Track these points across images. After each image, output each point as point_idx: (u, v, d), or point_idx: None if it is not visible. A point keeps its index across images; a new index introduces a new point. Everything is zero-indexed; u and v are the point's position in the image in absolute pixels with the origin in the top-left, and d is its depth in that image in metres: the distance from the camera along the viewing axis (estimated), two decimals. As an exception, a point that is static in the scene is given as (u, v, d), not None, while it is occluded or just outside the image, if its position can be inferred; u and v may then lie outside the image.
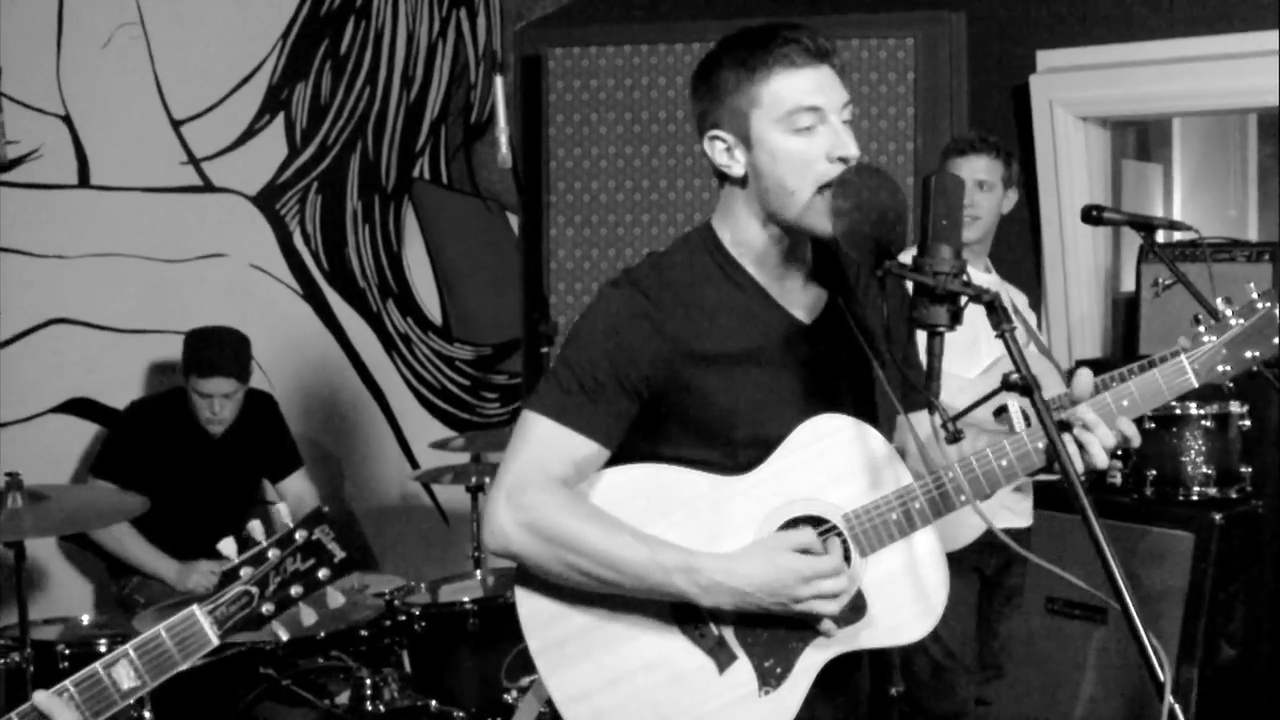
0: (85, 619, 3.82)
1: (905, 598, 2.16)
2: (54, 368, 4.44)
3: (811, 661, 2.16)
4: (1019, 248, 5.01)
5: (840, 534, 2.15)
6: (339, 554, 2.09)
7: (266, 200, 4.96)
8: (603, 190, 5.24)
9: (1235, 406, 4.19)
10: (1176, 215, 7.06)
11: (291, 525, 2.07)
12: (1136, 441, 2.12)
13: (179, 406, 4.31)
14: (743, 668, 2.15)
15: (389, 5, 5.26)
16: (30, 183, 4.36)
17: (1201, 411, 4.17)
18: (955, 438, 1.91)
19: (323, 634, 3.57)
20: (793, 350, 2.22)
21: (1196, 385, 2.18)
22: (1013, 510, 3.76)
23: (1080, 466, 2.06)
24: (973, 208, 3.68)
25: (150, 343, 4.59)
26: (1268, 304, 2.21)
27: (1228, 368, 2.19)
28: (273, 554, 2.04)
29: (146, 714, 3.11)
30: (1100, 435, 2.07)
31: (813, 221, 2.10)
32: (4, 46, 4.26)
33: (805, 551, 2.09)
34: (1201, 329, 2.21)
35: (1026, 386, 1.84)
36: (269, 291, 5.00)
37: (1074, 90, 4.77)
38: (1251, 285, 2.24)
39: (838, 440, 2.18)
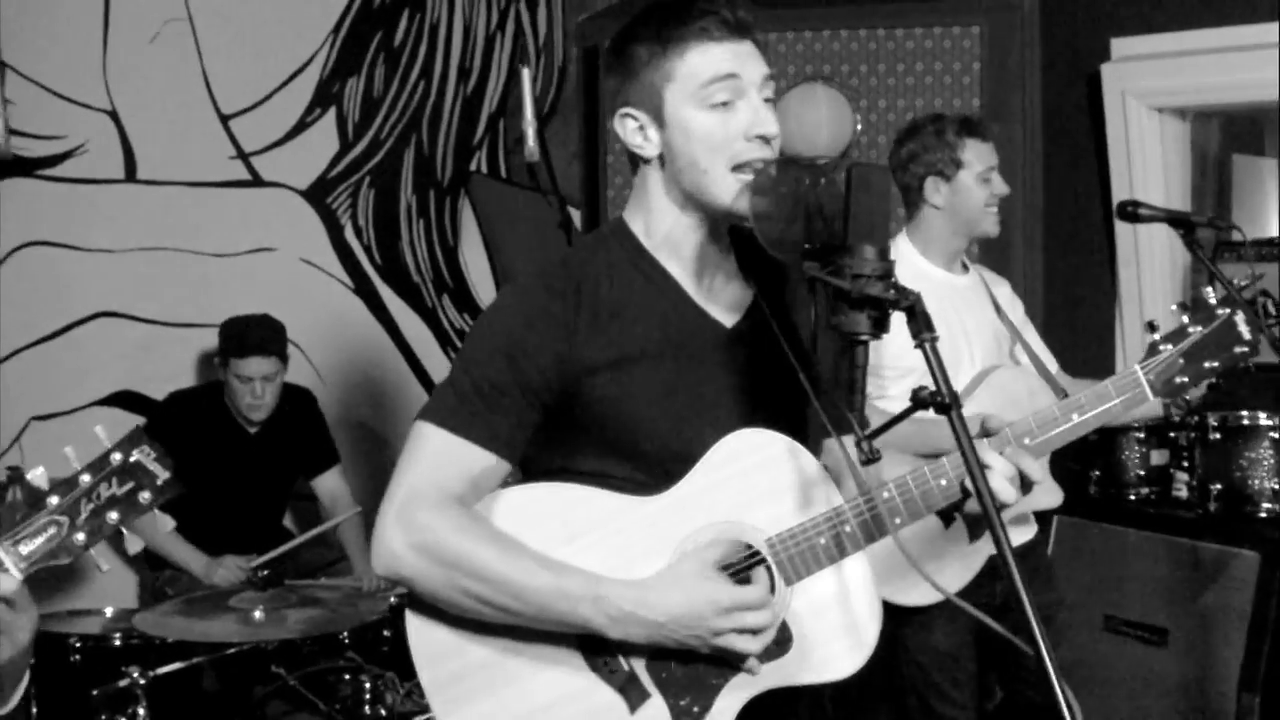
0: (109, 611, 3.95)
1: (835, 630, 2.05)
2: (100, 361, 4.59)
3: (732, 700, 2.02)
4: (1093, 246, 4.91)
5: (764, 560, 2.02)
6: (162, 474, 1.97)
7: (317, 194, 5.06)
8: (661, 185, 5.23)
9: (1310, 417, 4.06)
10: (1292, 212, 6.85)
11: (108, 446, 1.93)
12: (1037, 477, 2.01)
13: (216, 400, 4.42)
14: (656, 706, 2.01)
15: (444, -3, 5.35)
16: (77, 177, 4.52)
17: (1272, 422, 4.05)
18: (870, 458, 1.83)
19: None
20: (711, 356, 2.09)
21: (1152, 398, 2.11)
22: (1011, 524, 3.65)
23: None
24: (993, 199, 3.55)
25: (197, 336, 4.72)
26: (1227, 310, 2.13)
27: (1186, 379, 2.12)
28: (84, 479, 1.90)
29: (140, 711, 3.20)
30: (997, 466, 2.00)
31: (729, 202, 1.98)
32: (51, 42, 4.42)
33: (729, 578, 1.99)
34: (1157, 337, 2.14)
35: (943, 405, 1.74)
36: (320, 286, 5.10)
37: (1148, 79, 4.65)
38: (1209, 290, 2.17)
39: (762, 457, 2.05)
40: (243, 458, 4.42)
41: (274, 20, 4.90)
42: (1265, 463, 4.05)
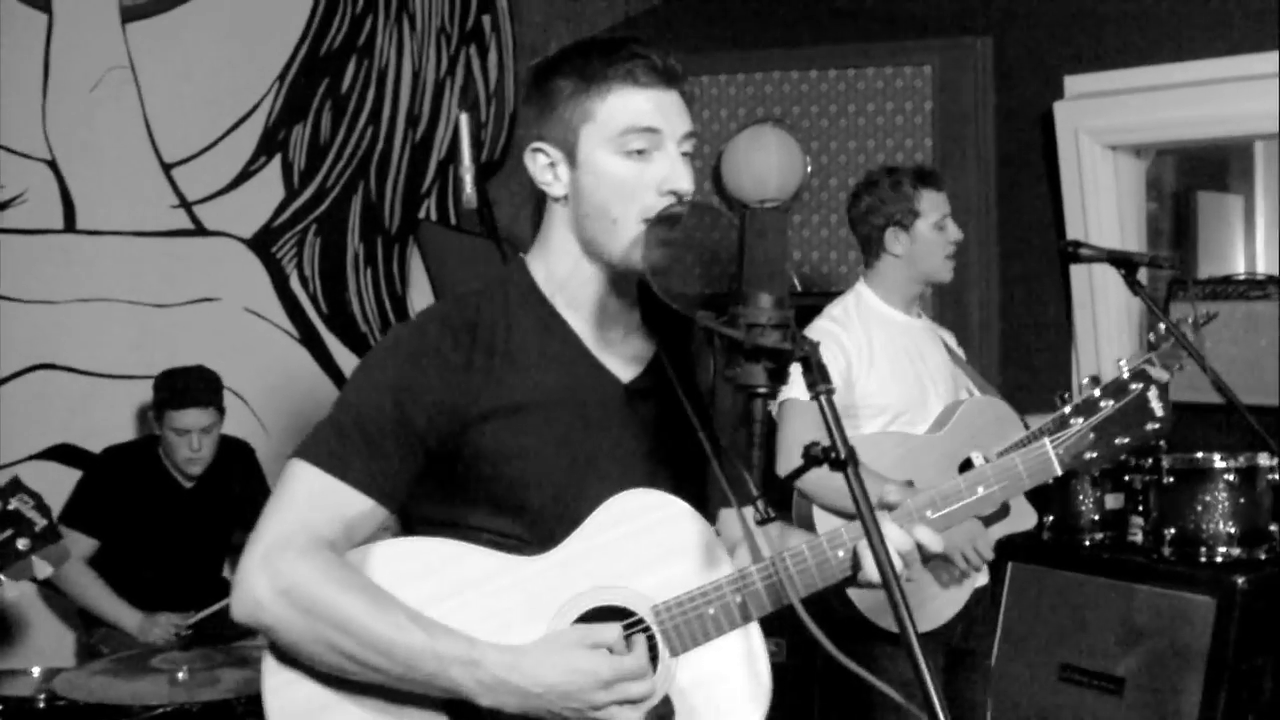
0: (36, 671, 3.90)
1: (722, 704, 1.98)
2: (39, 414, 4.56)
3: None
4: (1048, 287, 4.92)
5: (648, 629, 1.95)
6: (40, 521, 2.06)
7: (262, 243, 5.05)
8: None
9: (1265, 459, 4.04)
10: (1260, 249, 6.88)
11: None
12: (936, 548, 1.98)
13: (151, 454, 4.39)
14: None
15: (393, 43, 5.35)
16: (15, 228, 4.50)
17: (1225, 465, 4.03)
18: (765, 519, 1.81)
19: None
20: (608, 412, 2.04)
21: (1060, 473, 2.08)
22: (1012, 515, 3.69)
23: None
24: (949, 247, 3.65)
25: (138, 388, 4.68)
26: (1139, 385, 2.10)
27: (1095, 454, 2.08)
28: None
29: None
30: (892, 538, 1.95)
31: (634, 257, 1.93)
32: (-14, 90, 4.43)
33: (610, 646, 1.90)
34: (1068, 410, 2.11)
35: (837, 460, 1.69)
36: (264, 336, 5.09)
37: (1101, 117, 4.67)
38: (1123, 361, 2.15)
39: (650, 520, 1.99)
40: (178, 512, 4.38)
41: (218, 67, 4.91)
42: (1220, 506, 4.03)
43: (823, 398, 1.71)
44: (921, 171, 3.71)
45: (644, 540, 1.99)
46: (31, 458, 4.54)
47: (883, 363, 3.59)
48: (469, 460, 1.98)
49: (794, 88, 5.03)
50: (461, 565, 1.96)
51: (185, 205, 4.86)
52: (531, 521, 2.00)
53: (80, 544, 4.26)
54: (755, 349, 1.69)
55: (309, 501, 1.93)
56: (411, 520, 2.06)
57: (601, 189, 1.97)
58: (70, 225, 4.61)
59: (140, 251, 4.76)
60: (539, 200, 2.07)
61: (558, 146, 2.00)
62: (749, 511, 2.06)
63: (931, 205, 3.64)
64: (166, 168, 4.82)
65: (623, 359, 2.08)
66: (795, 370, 3.54)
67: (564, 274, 2.04)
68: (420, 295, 5.49)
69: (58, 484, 4.57)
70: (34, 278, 4.54)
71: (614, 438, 2.04)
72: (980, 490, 2.06)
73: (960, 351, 3.90)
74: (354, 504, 1.94)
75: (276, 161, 5.09)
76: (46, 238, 4.57)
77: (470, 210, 3.97)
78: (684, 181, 1.97)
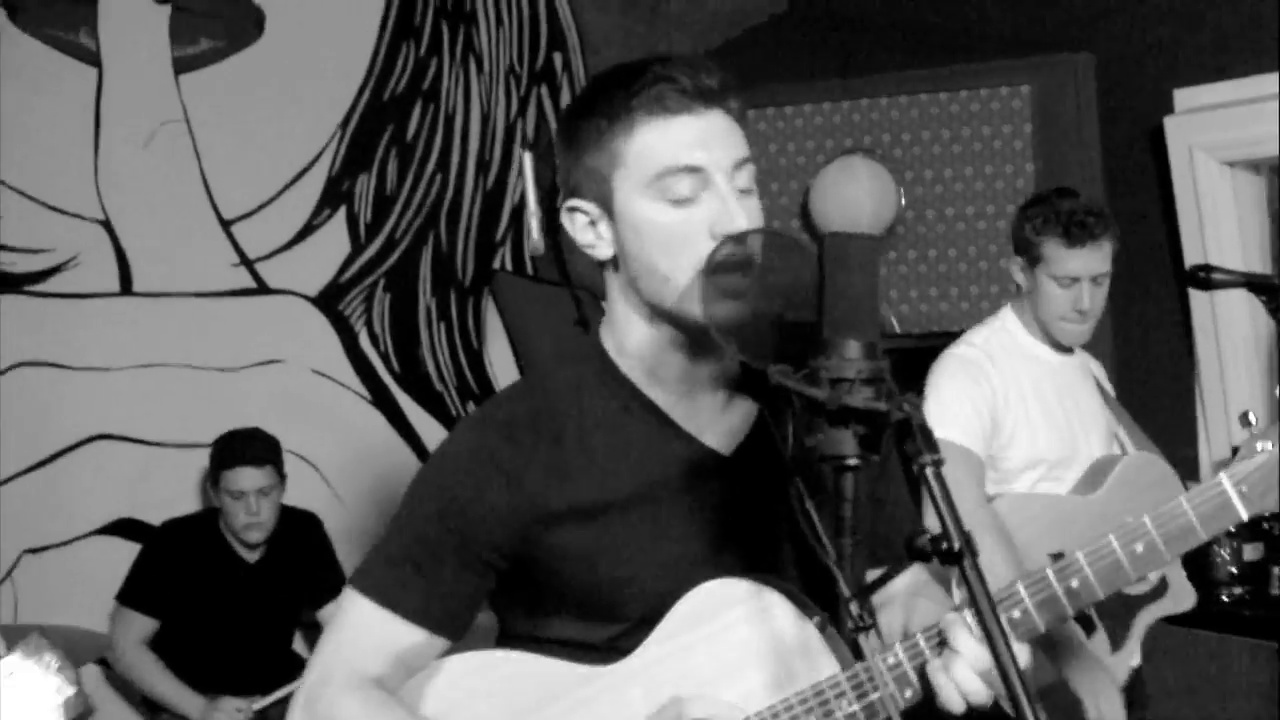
0: (93, 763, 3.73)
1: None
2: (97, 487, 4.40)
3: None
4: (1165, 316, 4.61)
5: None
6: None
7: (328, 301, 4.88)
8: (696, 273, 5.02)
9: None
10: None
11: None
12: (1024, 662, 1.61)
13: (211, 527, 4.20)
14: None
15: (459, 86, 5.17)
16: (68, 292, 4.37)
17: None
18: (859, 626, 1.51)
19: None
20: (707, 491, 1.79)
21: (1245, 517, 1.69)
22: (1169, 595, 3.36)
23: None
24: (1091, 304, 3.25)
25: (200, 457, 4.49)
26: None
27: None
28: None
29: None
30: (968, 654, 1.62)
31: (699, 312, 1.64)
32: (38, 148, 4.30)
33: None
34: (1261, 444, 1.75)
35: (948, 553, 1.37)
36: (333, 398, 4.90)
37: (1216, 131, 4.36)
38: None
39: (734, 616, 1.73)
40: (241, 588, 4.18)
41: (277, 116, 4.75)
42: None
43: (929, 472, 1.39)
44: (1072, 215, 3.24)
45: (729, 640, 1.74)
46: (91, 533, 4.38)
47: (1033, 406, 3.25)
48: (546, 568, 1.79)
49: (883, 115, 4.78)
50: (532, 682, 1.79)
51: (246, 263, 4.70)
52: (627, 628, 1.78)
53: (139, 624, 4.08)
54: (841, 410, 1.41)
55: (355, 634, 1.82)
56: (505, 633, 1.90)
57: (645, 244, 1.71)
58: (126, 288, 4.47)
59: (200, 313, 4.60)
60: (597, 264, 1.83)
61: (594, 201, 1.75)
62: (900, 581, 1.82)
63: (1057, 258, 3.22)
64: (226, 224, 4.66)
65: (722, 430, 1.82)
66: (948, 403, 3.21)
67: (636, 345, 1.79)
68: (498, 349, 5.29)
69: (119, 560, 4.39)
70: (89, 344, 4.40)
71: (718, 521, 1.80)
72: (1138, 547, 1.69)
73: (1110, 388, 3.56)
74: (403, 636, 1.80)
75: (341, 214, 4.92)
76: (101, 301, 4.43)
77: (540, 257, 3.76)
78: (739, 221, 1.67)
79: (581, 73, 5.40)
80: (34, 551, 4.27)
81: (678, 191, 1.67)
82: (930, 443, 1.39)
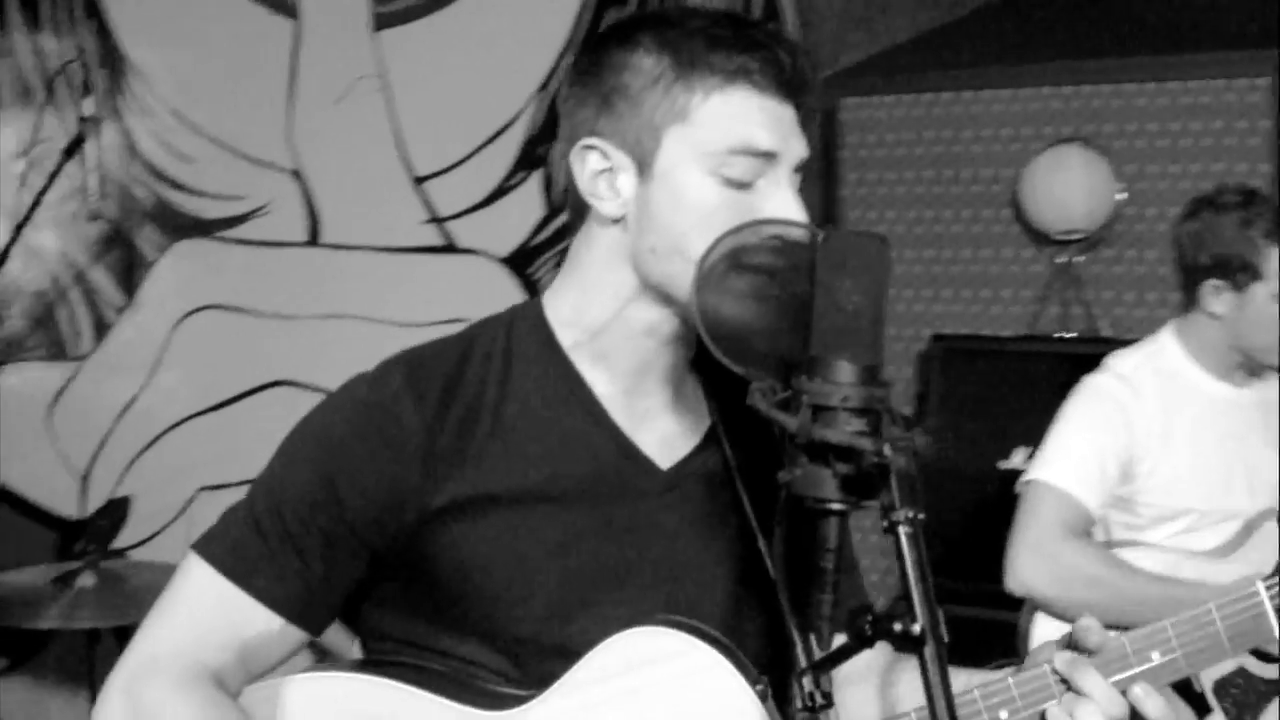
0: None
1: None
2: (275, 432, 4.47)
3: None
4: None
5: None
6: None
7: (518, 263, 4.86)
8: (900, 260, 4.81)
9: None
10: None
11: None
12: (1156, 714, 1.43)
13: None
14: None
15: (667, 51, 5.07)
16: (258, 239, 4.48)
17: None
18: (811, 707, 1.32)
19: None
20: (635, 508, 1.57)
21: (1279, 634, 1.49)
22: None
23: None
24: None
25: (377, 411, 4.58)
26: None
27: None
28: None
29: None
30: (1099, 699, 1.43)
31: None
32: (233, 98, 4.41)
33: None
34: None
35: (908, 637, 1.18)
36: (518, 361, 4.89)
37: None
38: None
39: (659, 673, 1.48)
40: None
41: (474, 77, 4.75)
42: None
43: (903, 531, 1.19)
44: None
45: (649, 700, 1.49)
46: (265, 477, 4.49)
47: (1182, 448, 2.87)
48: (431, 567, 1.54)
49: (1104, 102, 4.47)
50: (398, 717, 1.51)
51: (436, 221, 4.73)
52: (518, 655, 1.54)
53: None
54: (819, 445, 1.23)
55: (194, 611, 1.54)
56: (365, 633, 1.65)
57: (681, 217, 1.50)
58: (314, 239, 4.55)
59: (387, 267, 4.65)
60: (574, 215, 1.62)
61: (625, 149, 1.53)
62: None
63: None
64: (417, 181, 4.70)
65: (664, 436, 1.62)
66: (1067, 439, 2.87)
67: (599, 320, 1.58)
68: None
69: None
70: (275, 291, 4.50)
71: (643, 544, 1.57)
72: (1156, 656, 1.48)
73: None
74: (256, 621, 1.53)
75: (535, 177, 4.89)
76: (289, 251, 4.52)
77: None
78: (797, 217, 1.50)
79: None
80: (210, 489, 4.40)
81: (740, 172, 1.50)
82: (911, 495, 1.20)
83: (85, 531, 4.16)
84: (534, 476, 1.55)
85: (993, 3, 5.10)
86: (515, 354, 1.60)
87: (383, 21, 4.59)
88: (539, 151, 4.89)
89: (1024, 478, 2.93)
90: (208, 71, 4.37)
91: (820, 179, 5.13)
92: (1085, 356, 4.07)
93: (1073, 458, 2.87)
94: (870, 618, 1.21)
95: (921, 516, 1.20)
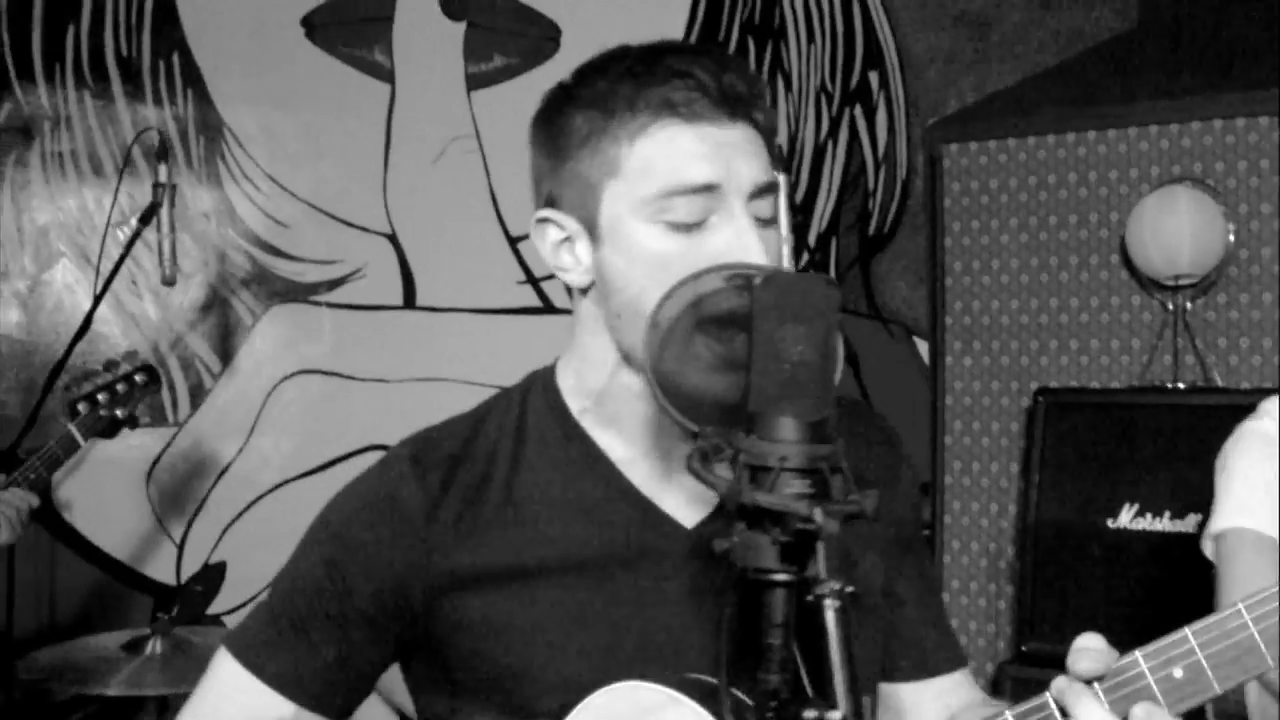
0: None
1: None
2: (371, 497, 4.54)
3: None
4: None
5: None
6: None
7: (615, 322, 4.86)
8: (1004, 312, 4.71)
9: None
10: None
11: None
12: None
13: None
14: None
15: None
16: (353, 303, 4.54)
17: None
18: None
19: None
20: (656, 567, 1.50)
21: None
22: None
23: None
24: None
25: (473, 474, 4.59)
26: None
27: None
28: None
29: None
30: None
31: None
32: (329, 163, 4.49)
33: None
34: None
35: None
36: (618, 422, 4.87)
37: None
38: None
39: None
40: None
41: (569, 136, 4.78)
42: None
43: (828, 605, 1.10)
44: None
45: None
46: (360, 541, 4.52)
47: None
48: (446, 645, 1.52)
49: (1214, 140, 4.34)
50: None
51: (532, 281, 4.74)
52: None
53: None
54: (750, 509, 1.14)
55: (218, 702, 1.58)
56: (418, 712, 1.65)
57: (635, 274, 1.44)
58: (410, 301, 4.59)
59: (483, 329, 4.68)
60: (566, 287, 1.60)
61: (574, 215, 1.49)
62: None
63: None
64: (513, 241, 4.72)
65: (691, 494, 1.54)
66: (1240, 484, 2.66)
67: (598, 386, 1.54)
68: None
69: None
70: (371, 355, 4.54)
71: (664, 607, 1.49)
72: (1178, 673, 1.33)
73: None
74: (270, 708, 1.55)
75: (636, 235, 4.90)
76: (385, 314, 4.57)
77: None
78: (754, 256, 1.39)
79: (901, 93, 5.17)
80: (307, 555, 4.44)
81: (684, 214, 1.42)
82: (842, 568, 1.12)
83: (180, 597, 4.21)
84: (547, 548, 1.51)
85: (1098, 44, 5.01)
86: (529, 423, 1.59)
87: (476, 82, 4.65)
88: (635, 209, 4.89)
89: (1211, 532, 2.77)
90: (304, 136, 4.46)
91: (928, 229, 5.07)
92: (1198, 408, 3.95)
93: (1252, 496, 2.74)
94: (775, 704, 1.12)
95: (850, 590, 1.11)
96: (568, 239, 1.52)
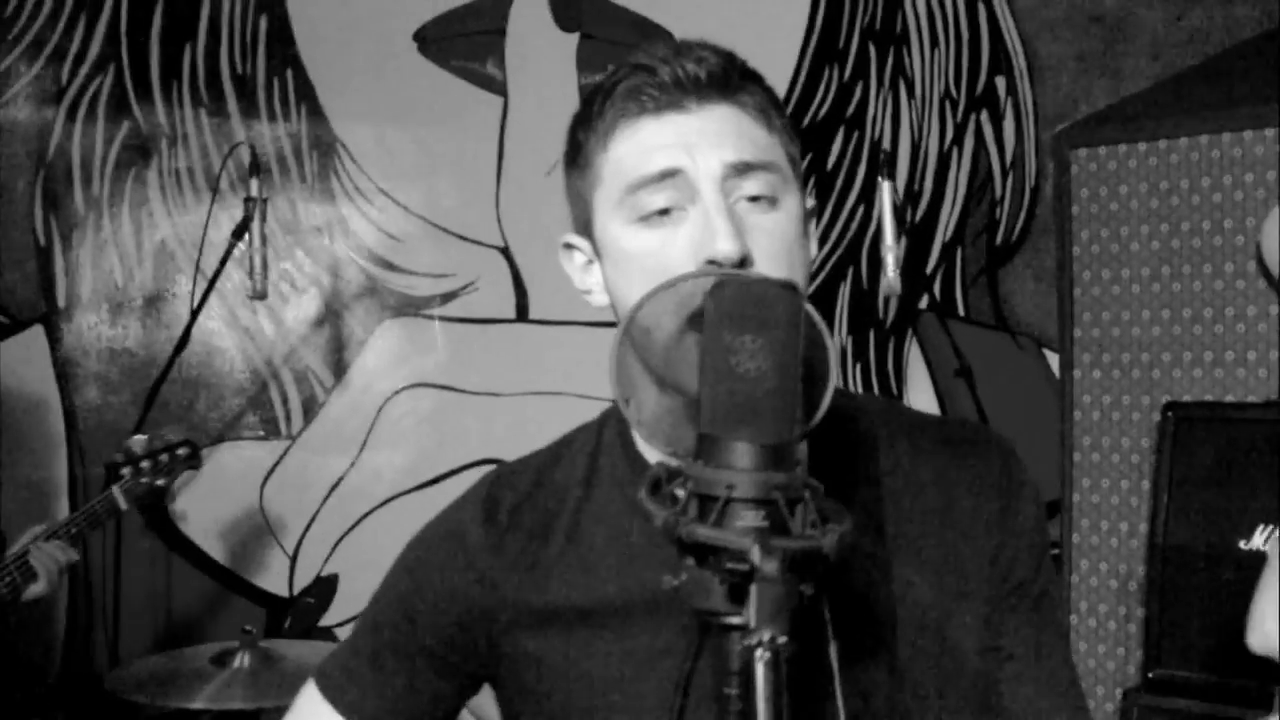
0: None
1: None
2: (484, 511, 4.56)
3: None
4: None
5: None
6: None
7: (732, 335, 4.82)
8: (1135, 323, 4.55)
9: None
10: None
11: None
12: None
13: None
14: None
15: (886, 111, 4.96)
16: (465, 316, 4.56)
17: None
18: None
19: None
20: None
21: None
22: None
23: None
24: None
25: (586, 488, 4.58)
26: None
27: None
28: None
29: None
30: None
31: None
32: (442, 177, 4.53)
33: None
34: None
35: None
36: (734, 437, 4.83)
37: None
38: None
39: None
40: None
41: (686, 146, 4.76)
42: None
43: (759, 657, 0.99)
44: None
45: None
46: (472, 556, 4.54)
47: None
48: (511, 685, 1.53)
49: (1355, 143, 4.15)
50: None
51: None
52: None
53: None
54: (693, 545, 1.04)
55: None
56: None
57: (623, 281, 1.42)
58: (523, 314, 4.61)
59: (595, 342, 4.65)
60: None
61: (585, 235, 1.51)
62: None
63: None
64: (626, 254, 4.71)
65: None
66: None
67: (651, 418, 1.36)
68: (920, 396, 5.03)
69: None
70: (483, 368, 4.57)
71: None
72: None
73: None
74: None
75: (751, 247, 4.85)
76: (497, 327, 4.59)
77: (890, 296, 3.54)
78: (723, 240, 1.32)
79: (1029, 99, 5.04)
80: (420, 569, 4.48)
81: (650, 206, 1.37)
82: (771, 616, 0.99)
83: (292, 609, 4.27)
84: (606, 589, 1.47)
85: (1235, 43, 4.84)
86: (601, 459, 1.55)
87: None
88: (752, 220, 4.85)
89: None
90: (416, 150, 4.51)
91: (1056, 237, 4.93)
92: (1337, 423, 3.78)
93: None
94: None
95: (783, 641, 0.99)
96: (589, 262, 1.52)
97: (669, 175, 1.37)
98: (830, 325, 4.80)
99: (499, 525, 1.52)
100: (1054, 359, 5.00)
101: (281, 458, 4.41)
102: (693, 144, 1.37)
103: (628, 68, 1.42)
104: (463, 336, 4.56)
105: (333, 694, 1.60)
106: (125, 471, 3.50)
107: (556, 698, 1.47)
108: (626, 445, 1.52)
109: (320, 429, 4.45)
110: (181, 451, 3.62)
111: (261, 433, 4.43)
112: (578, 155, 1.49)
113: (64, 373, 4.42)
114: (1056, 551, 4.91)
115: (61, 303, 4.43)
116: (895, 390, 5.01)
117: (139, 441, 3.57)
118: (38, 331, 4.46)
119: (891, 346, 5.01)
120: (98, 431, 4.39)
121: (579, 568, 1.48)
